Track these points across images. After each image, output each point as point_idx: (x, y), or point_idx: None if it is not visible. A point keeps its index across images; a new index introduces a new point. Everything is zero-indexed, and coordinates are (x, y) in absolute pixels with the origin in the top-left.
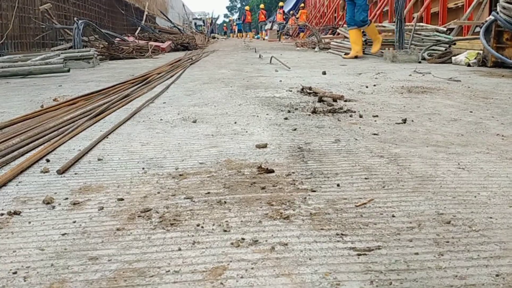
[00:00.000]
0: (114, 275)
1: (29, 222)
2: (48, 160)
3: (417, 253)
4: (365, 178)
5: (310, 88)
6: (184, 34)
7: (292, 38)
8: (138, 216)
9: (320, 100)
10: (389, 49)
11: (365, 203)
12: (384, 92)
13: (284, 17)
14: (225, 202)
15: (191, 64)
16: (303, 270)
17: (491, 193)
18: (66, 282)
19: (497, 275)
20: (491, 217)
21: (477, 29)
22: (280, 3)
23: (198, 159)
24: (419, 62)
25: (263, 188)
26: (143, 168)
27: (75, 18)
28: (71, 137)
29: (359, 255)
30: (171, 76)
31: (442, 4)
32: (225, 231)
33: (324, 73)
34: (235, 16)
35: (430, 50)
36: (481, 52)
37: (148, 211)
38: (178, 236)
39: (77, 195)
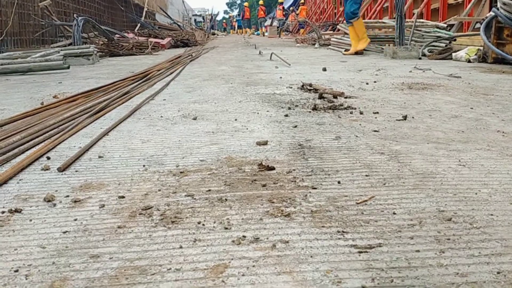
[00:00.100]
0: (115, 273)
1: (30, 220)
2: (48, 158)
3: (418, 251)
4: (366, 175)
5: (310, 85)
6: (184, 30)
7: (292, 35)
8: (139, 214)
9: (321, 97)
10: (389, 45)
11: (366, 200)
12: (384, 88)
13: (284, 13)
14: (226, 199)
15: (191, 61)
16: (304, 267)
17: (492, 190)
18: (68, 280)
19: (498, 273)
20: (492, 214)
21: (478, 25)
22: None
23: (199, 156)
24: (420, 59)
25: (264, 185)
26: (143, 166)
27: (74, 15)
28: (72, 135)
29: (360, 252)
30: (171, 73)
31: (442, 0)
32: (226, 228)
33: (324, 69)
34: (235, 12)
35: (430, 46)
36: (481, 48)
37: (149, 208)
38: (179, 233)
39: (78, 192)
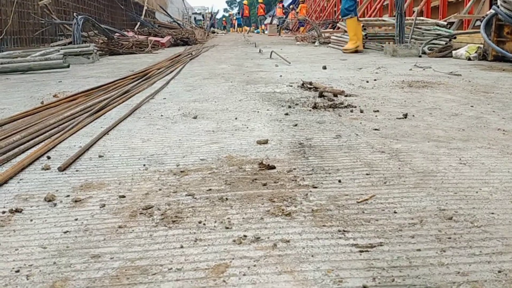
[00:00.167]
0: (116, 273)
1: (31, 220)
2: (49, 157)
3: (419, 250)
4: (367, 174)
5: (310, 83)
6: (184, 29)
7: (292, 33)
8: (140, 213)
9: (321, 95)
10: (389, 43)
11: (366, 199)
12: (384, 86)
13: (284, 11)
14: (226, 199)
15: (191, 59)
16: (305, 267)
17: (492, 188)
18: (69, 281)
19: (499, 271)
20: (493, 213)
21: (478, 23)
22: None
23: (199, 155)
24: (420, 56)
25: (264, 184)
26: (144, 165)
27: (74, 14)
28: (72, 134)
29: (361, 251)
30: (171, 72)
31: None
32: (227, 228)
33: (324, 67)
34: (235, 10)
35: (430, 44)
36: (481, 46)
37: (149, 208)
38: (180, 233)
39: (79, 192)
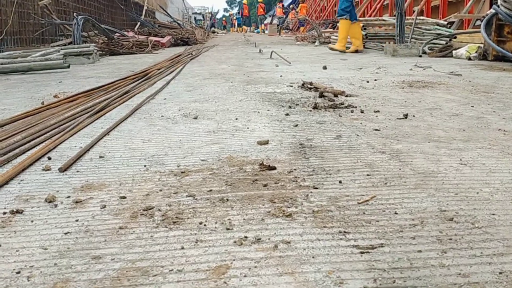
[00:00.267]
0: (117, 274)
1: (32, 221)
2: (49, 158)
3: (420, 251)
4: (367, 175)
5: (311, 83)
6: (184, 29)
7: (292, 32)
8: (141, 214)
9: (321, 96)
10: (389, 43)
11: (367, 200)
12: (385, 87)
13: (284, 11)
14: (227, 199)
15: (191, 59)
16: (306, 268)
17: (493, 189)
18: (70, 282)
19: (500, 273)
20: (493, 214)
21: (478, 22)
22: None
23: (200, 156)
24: (420, 56)
25: (265, 185)
26: (144, 166)
27: (74, 14)
28: (72, 134)
29: (362, 253)
30: (171, 72)
31: None
32: (227, 229)
33: (324, 67)
34: (235, 10)
35: (430, 44)
36: (482, 45)
37: (150, 209)
38: (181, 234)
39: (79, 193)
